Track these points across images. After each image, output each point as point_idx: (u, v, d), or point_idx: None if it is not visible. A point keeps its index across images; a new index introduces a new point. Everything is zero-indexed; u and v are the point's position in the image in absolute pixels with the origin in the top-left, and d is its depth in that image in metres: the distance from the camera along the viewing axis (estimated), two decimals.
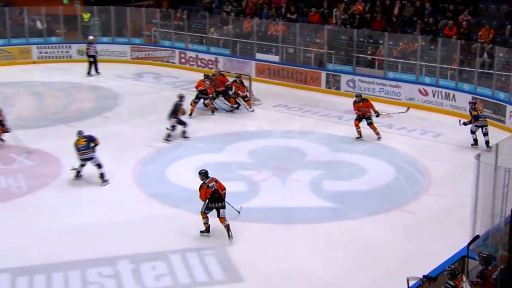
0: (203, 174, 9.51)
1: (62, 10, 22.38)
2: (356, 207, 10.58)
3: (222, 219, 9.37)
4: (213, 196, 9.26)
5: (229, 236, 9.29)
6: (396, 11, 18.58)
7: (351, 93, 17.40)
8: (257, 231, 9.73)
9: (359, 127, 13.62)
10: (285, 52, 19.71)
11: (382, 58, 17.69)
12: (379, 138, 13.66)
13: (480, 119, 12.94)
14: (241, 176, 11.84)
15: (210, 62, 20.98)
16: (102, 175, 11.39)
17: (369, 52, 18.06)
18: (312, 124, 15.31)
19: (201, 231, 9.51)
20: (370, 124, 13.59)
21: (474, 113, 12.99)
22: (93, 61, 20.08)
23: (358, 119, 13.61)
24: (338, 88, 18.21)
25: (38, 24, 22.55)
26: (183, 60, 21.72)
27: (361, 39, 18.22)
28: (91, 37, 20.72)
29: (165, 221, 10.02)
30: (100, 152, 12.69)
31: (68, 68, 21.17)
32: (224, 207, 9.37)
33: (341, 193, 11.14)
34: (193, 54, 21.47)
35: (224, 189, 9.48)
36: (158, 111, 16.27)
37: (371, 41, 18.16)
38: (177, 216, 10.20)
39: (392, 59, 17.53)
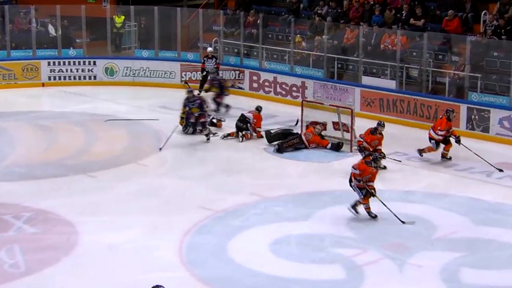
0: None
1: (85, 10, 23.31)
2: None
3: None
4: None
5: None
6: None
7: (507, 138, 17.30)
8: None
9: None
10: (406, 75, 19.84)
11: None
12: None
13: None
14: (337, 256, 11.89)
15: (294, 89, 21.37)
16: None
17: None
18: (446, 183, 15.20)
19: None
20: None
21: None
22: (204, 79, 21.59)
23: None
24: (486, 130, 18.09)
25: (51, 30, 23.72)
26: (255, 85, 22.26)
27: None
28: (210, 49, 21.89)
29: None
30: (133, 214, 13.25)
31: (91, 94, 22.13)
32: None
33: None
34: (270, 77, 21.97)
35: None
36: (217, 159, 16.74)
37: None
38: None
39: None
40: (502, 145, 17.50)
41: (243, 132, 17.95)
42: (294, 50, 21.84)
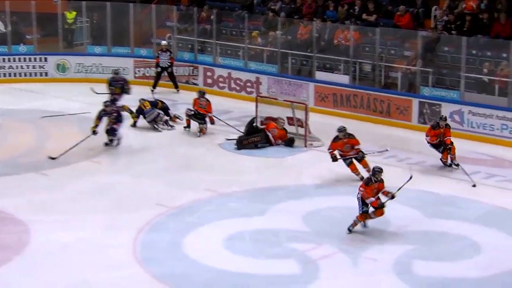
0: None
1: (36, 6, 23.10)
2: None
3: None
4: None
5: None
6: None
7: (457, 132, 17.54)
8: None
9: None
10: (359, 70, 20.00)
11: (506, 79, 17.78)
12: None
13: None
14: (291, 251, 11.95)
15: (248, 84, 21.41)
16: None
17: (485, 70, 18.19)
18: (399, 177, 15.35)
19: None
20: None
21: None
22: (159, 75, 21.61)
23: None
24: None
25: (0, 26, 23.46)
26: (209, 81, 22.26)
27: (474, 51, 18.39)
28: (164, 42, 21.75)
29: None
30: (87, 213, 13.16)
31: (43, 91, 21.94)
32: None
33: (442, 280, 11.07)
34: (224, 72, 21.99)
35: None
36: (172, 155, 16.72)
37: (488, 54, 18.31)
38: None
39: None
40: (453, 138, 17.66)
41: (200, 127, 17.92)
42: (248, 46, 21.87)
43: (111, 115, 16.72)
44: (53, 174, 15.28)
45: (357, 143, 15.09)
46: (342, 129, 15.04)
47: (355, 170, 15.06)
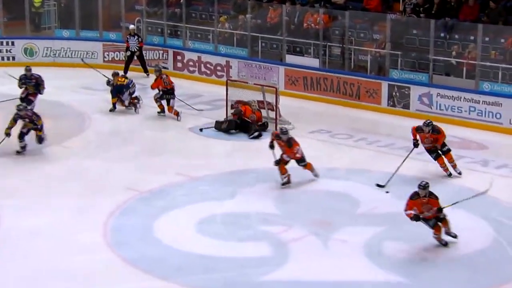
0: None
1: None
2: (434, 284, 10.62)
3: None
4: None
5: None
6: None
7: (426, 114, 17.67)
8: None
9: None
10: (329, 53, 20.05)
11: (474, 62, 17.92)
12: (449, 174, 14.49)
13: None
14: (262, 234, 12.01)
15: (219, 68, 21.38)
16: None
17: (453, 53, 18.31)
18: (368, 159, 15.47)
19: None
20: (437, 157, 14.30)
21: None
22: (129, 59, 21.39)
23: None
24: (406, 106, 18.46)
25: None
26: (179, 65, 22.21)
27: (442, 34, 18.51)
28: (132, 27, 21.70)
29: None
30: (57, 197, 13.09)
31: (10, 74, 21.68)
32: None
33: (411, 261, 11.21)
34: (194, 56, 21.94)
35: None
36: (142, 139, 16.68)
37: (456, 37, 18.43)
38: None
39: (488, 64, 17.76)
40: (422, 120, 17.77)
41: (170, 105, 18.07)
42: (218, 30, 21.80)
43: (25, 119, 15.31)
44: (21, 158, 15.19)
45: (437, 204, 11.54)
46: (426, 186, 11.41)
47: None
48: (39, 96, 17.80)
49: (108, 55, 22.66)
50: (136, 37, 21.52)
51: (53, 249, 11.39)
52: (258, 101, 17.54)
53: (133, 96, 18.60)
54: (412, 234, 11.98)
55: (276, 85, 18.53)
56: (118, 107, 18.30)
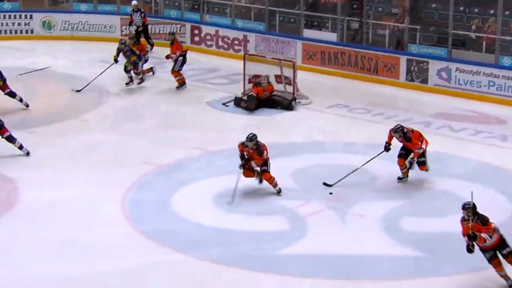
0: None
1: None
2: (452, 258, 10.57)
3: None
4: None
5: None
6: None
7: (444, 89, 17.55)
8: None
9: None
10: (347, 27, 19.91)
11: (493, 36, 17.76)
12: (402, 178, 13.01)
13: None
14: (280, 208, 12.01)
15: (236, 42, 21.29)
16: None
17: (473, 27, 18.15)
18: (386, 134, 15.36)
19: None
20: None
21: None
22: (138, 34, 21.00)
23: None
24: (424, 81, 18.31)
25: None
26: (196, 39, 22.11)
27: (461, 8, 18.33)
28: (134, 2, 21.49)
29: (166, 272, 10.20)
30: (75, 171, 13.12)
31: (28, 48, 21.72)
32: None
33: (429, 236, 11.15)
34: (211, 30, 21.84)
35: None
36: (158, 113, 16.66)
37: (476, 10, 18.26)
38: (183, 265, 10.40)
39: (508, 38, 17.60)
40: (440, 95, 17.77)
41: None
42: (236, 3, 21.69)
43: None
44: (40, 132, 15.22)
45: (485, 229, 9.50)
46: (464, 206, 9.59)
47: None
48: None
49: (125, 28, 22.52)
50: (139, 12, 21.35)
51: (72, 222, 11.46)
52: (276, 76, 17.46)
53: (147, 67, 18.77)
54: (430, 209, 11.98)
55: (294, 59, 18.43)
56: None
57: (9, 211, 11.76)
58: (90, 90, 17.70)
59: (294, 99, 16.89)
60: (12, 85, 16.59)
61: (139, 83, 18.08)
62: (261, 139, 14.92)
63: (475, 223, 9.40)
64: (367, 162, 12.84)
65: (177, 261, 10.45)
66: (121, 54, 17.94)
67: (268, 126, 15.99)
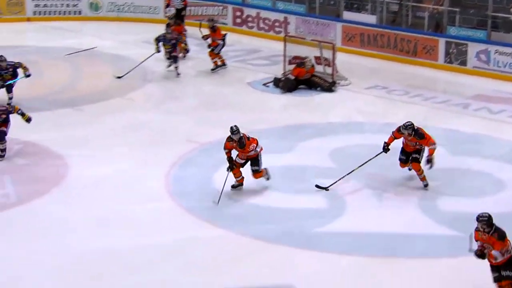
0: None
1: None
2: None
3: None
4: None
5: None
6: None
7: (483, 71, 17.49)
8: (342, 267, 9.98)
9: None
10: (386, 10, 19.88)
11: None
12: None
13: None
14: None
15: (277, 24, 21.37)
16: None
17: None
18: (424, 115, 15.41)
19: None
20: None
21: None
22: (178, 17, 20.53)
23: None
24: (463, 63, 18.26)
25: None
26: (238, 21, 22.23)
27: None
28: None
29: (206, 246, 10.39)
30: (121, 149, 13.40)
31: (76, 29, 22.10)
32: None
33: (465, 216, 11.08)
34: (253, 12, 21.95)
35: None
36: (200, 94, 16.86)
37: None
38: (226, 240, 10.57)
39: None
40: (479, 77, 17.72)
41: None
42: None
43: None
44: (87, 110, 15.55)
45: (498, 246, 8.66)
46: (479, 217, 8.86)
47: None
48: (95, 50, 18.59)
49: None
50: None
51: (117, 198, 11.72)
52: (315, 57, 17.55)
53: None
54: (467, 190, 12.02)
55: (333, 41, 18.49)
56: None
57: (58, 186, 12.06)
58: (135, 70, 17.94)
59: (334, 82, 16.97)
60: (60, 64, 16.91)
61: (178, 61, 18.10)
62: (300, 119, 15.17)
63: (491, 236, 8.67)
64: (364, 164, 12.27)
65: (218, 237, 10.64)
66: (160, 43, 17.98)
67: (307, 106, 16.13)
